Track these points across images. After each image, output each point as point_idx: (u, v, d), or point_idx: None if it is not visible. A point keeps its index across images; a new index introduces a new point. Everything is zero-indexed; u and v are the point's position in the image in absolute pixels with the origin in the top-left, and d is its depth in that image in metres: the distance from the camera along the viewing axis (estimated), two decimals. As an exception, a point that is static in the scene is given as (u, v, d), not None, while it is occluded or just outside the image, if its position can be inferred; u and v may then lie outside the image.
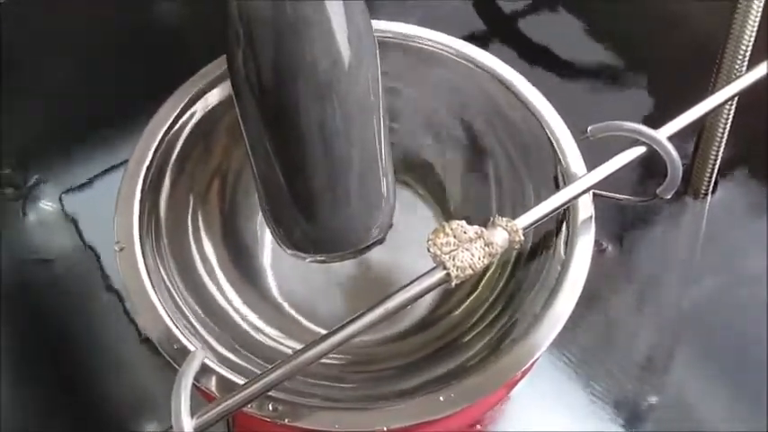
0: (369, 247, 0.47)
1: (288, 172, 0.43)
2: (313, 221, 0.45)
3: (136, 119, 0.55)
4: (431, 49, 0.55)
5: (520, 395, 0.56)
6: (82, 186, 0.68)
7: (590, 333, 0.60)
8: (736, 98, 0.57)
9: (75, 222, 0.66)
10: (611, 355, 0.60)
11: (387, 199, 0.47)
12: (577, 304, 0.46)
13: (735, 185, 0.65)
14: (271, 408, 0.42)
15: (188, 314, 0.47)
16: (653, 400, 0.58)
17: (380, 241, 0.48)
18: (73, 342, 0.61)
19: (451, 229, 0.42)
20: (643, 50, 0.74)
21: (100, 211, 0.64)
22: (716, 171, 0.63)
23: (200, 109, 0.53)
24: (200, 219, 0.53)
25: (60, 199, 0.68)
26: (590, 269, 0.47)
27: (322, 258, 0.47)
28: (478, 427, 0.54)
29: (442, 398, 0.43)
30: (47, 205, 0.68)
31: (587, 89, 0.72)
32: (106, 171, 0.68)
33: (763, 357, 0.58)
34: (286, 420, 0.42)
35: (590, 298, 0.59)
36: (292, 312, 0.53)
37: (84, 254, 0.64)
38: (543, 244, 0.50)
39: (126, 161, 0.65)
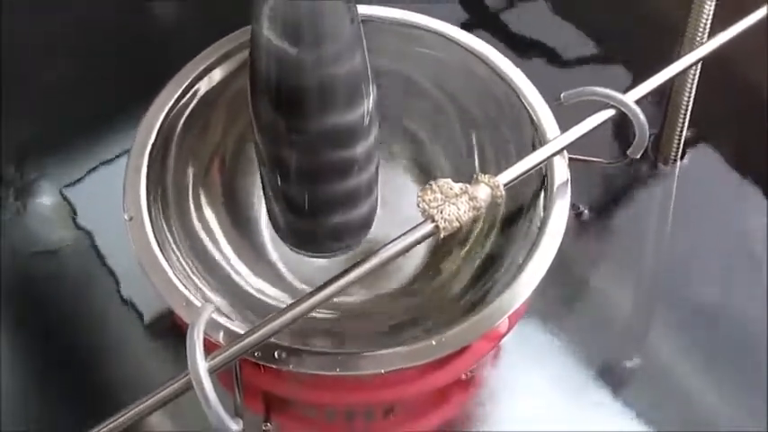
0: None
1: (293, 179, 0.45)
2: (317, 224, 0.47)
3: (128, 117, 0.56)
4: (419, 31, 0.58)
5: (505, 357, 0.60)
6: (79, 181, 0.70)
7: (570, 295, 0.63)
8: (698, 68, 0.61)
9: (73, 215, 0.68)
10: (590, 317, 0.63)
11: (377, 199, 0.49)
12: (558, 267, 0.49)
13: (700, 152, 0.69)
14: (276, 355, 0.45)
15: (193, 276, 0.50)
16: (630, 363, 0.60)
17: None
18: (74, 328, 0.63)
19: (438, 186, 0.45)
20: (617, 30, 0.77)
21: (97, 204, 0.68)
22: (683, 139, 0.66)
23: (200, 89, 0.55)
24: (201, 191, 0.55)
25: (61, 193, 0.70)
26: (569, 233, 0.50)
27: (322, 256, 0.50)
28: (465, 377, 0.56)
29: (434, 342, 0.46)
30: (46, 200, 0.70)
31: (565, 70, 0.75)
32: (101, 165, 0.71)
33: (732, 312, 0.62)
34: (290, 366, 0.45)
35: (569, 260, 0.63)
36: (291, 278, 0.55)
37: (82, 244, 0.66)
38: (525, 207, 0.53)
39: (119, 155, 0.68)
